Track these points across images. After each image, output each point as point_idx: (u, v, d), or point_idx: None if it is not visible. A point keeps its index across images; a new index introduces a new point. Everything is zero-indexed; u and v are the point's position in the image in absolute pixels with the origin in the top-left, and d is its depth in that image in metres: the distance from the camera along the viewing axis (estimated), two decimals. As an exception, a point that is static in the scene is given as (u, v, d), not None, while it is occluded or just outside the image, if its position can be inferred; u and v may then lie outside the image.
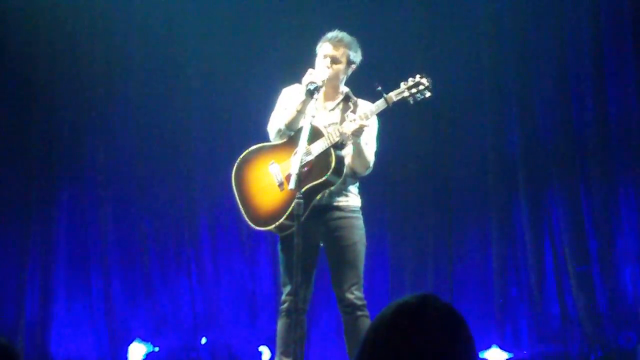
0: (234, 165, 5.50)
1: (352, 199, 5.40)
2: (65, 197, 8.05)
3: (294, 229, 4.78)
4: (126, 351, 7.81)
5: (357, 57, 5.48)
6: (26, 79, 8.03)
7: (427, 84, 5.22)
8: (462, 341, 2.22)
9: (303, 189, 4.94)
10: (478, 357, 2.37)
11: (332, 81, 5.38)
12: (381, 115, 5.37)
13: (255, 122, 5.96)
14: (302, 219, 4.83)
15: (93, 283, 7.98)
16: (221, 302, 8.02)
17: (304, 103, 5.19)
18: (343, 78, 5.47)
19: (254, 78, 7.95)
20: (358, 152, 5.24)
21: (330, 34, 5.46)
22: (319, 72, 5.30)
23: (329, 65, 5.35)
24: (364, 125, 5.11)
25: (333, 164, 5.12)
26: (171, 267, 8.10)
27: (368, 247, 5.44)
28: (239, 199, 5.44)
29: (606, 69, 7.74)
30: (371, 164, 5.37)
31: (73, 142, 8.13)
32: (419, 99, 5.24)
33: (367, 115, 5.15)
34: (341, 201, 5.35)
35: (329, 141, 5.15)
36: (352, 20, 6.93)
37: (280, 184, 5.29)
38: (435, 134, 8.05)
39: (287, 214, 5.17)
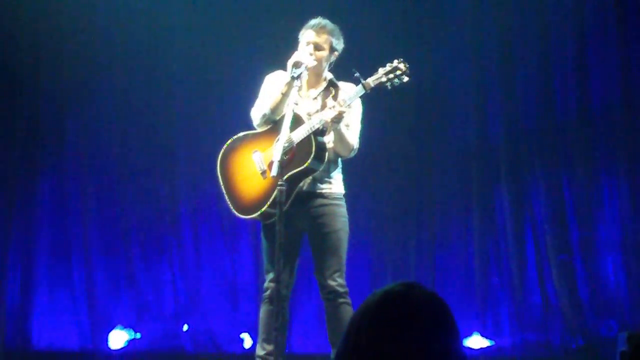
0: (218, 154, 5.48)
1: (335, 186, 5.38)
2: (47, 186, 8.06)
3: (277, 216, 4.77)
4: (107, 339, 7.80)
5: (339, 44, 5.44)
6: (8, 69, 7.99)
7: (404, 68, 5.19)
8: (448, 328, 2.22)
9: (285, 176, 4.92)
10: (462, 344, 2.39)
11: (315, 68, 5.34)
12: (364, 102, 5.36)
13: (238, 110, 5.94)
14: (286, 206, 4.82)
15: (75, 271, 7.97)
16: (203, 290, 8.01)
17: (289, 85, 5.17)
18: (326, 65, 5.44)
19: (237, 66, 7.92)
20: (340, 137, 5.22)
21: (312, 21, 5.42)
22: (304, 56, 5.27)
23: (312, 52, 5.32)
24: (343, 112, 5.09)
25: (314, 151, 5.10)
26: (153, 255, 8.09)
27: (350, 235, 5.43)
28: (224, 187, 5.43)
29: (589, 58, 7.77)
30: (355, 146, 5.34)
31: (55, 131, 8.15)
32: (396, 84, 5.21)
33: (346, 102, 5.13)
34: (324, 188, 5.32)
35: (309, 128, 5.13)
36: (335, 7, 6.91)
37: (263, 172, 5.26)
38: (418, 122, 8.05)
39: (269, 201, 5.15)
